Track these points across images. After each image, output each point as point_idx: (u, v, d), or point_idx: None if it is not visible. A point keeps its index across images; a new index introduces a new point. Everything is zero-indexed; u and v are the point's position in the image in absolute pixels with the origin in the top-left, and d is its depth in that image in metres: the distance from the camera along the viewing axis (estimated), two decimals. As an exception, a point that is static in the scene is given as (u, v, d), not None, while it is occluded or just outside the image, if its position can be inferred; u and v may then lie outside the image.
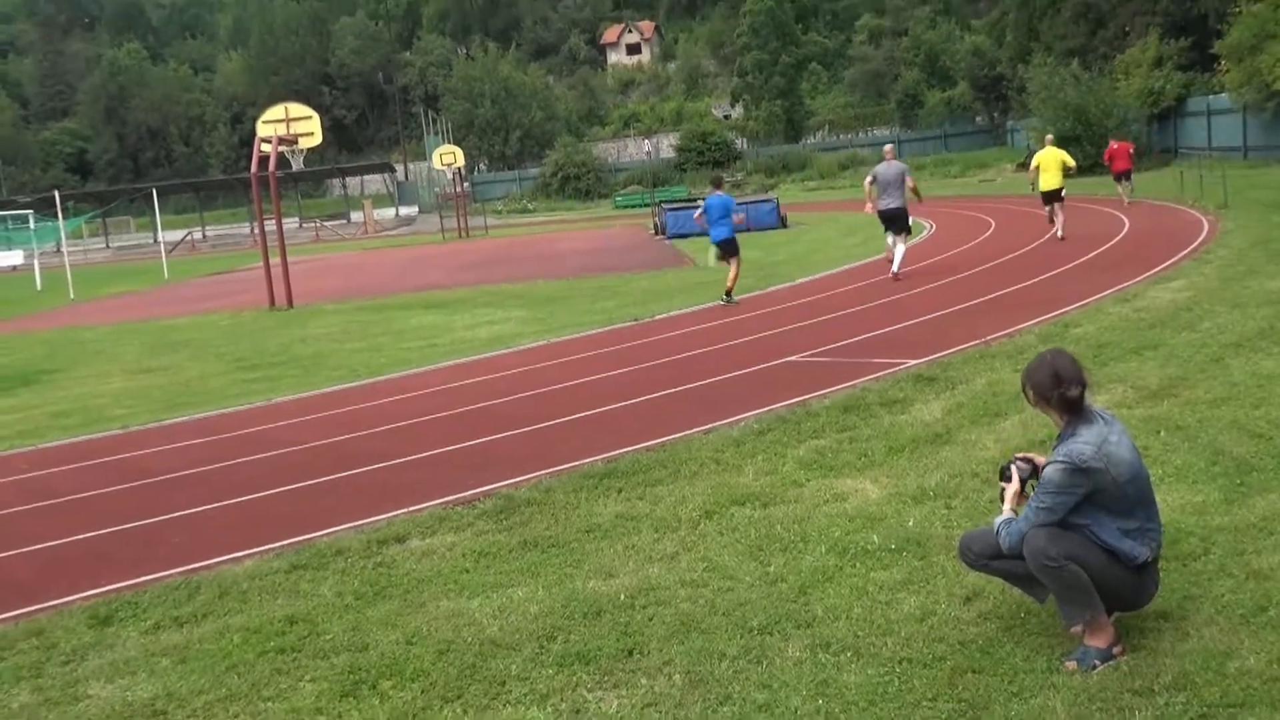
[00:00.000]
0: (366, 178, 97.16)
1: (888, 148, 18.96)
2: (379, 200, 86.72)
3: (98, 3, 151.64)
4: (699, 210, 18.23)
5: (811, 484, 7.08)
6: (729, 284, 17.09)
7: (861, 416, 8.69)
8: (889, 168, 17.77)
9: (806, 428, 8.49)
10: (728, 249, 17.41)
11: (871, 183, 18.09)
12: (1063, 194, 21.30)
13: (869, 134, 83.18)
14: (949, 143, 74.27)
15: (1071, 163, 21.52)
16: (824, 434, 8.29)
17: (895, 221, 17.82)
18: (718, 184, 18.84)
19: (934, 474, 6.99)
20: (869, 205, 18.37)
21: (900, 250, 17.70)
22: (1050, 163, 21.11)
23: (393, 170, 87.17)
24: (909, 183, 17.71)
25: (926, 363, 10.53)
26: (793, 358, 11.69)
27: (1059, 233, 20.80)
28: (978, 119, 76.64)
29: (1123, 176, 28.01)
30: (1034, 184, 21.55)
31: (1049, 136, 23.30)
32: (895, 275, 17.47)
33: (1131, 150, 29.08)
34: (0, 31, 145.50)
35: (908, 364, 10.55)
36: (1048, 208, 21.75)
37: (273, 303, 23.97)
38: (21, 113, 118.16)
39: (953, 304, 14.32)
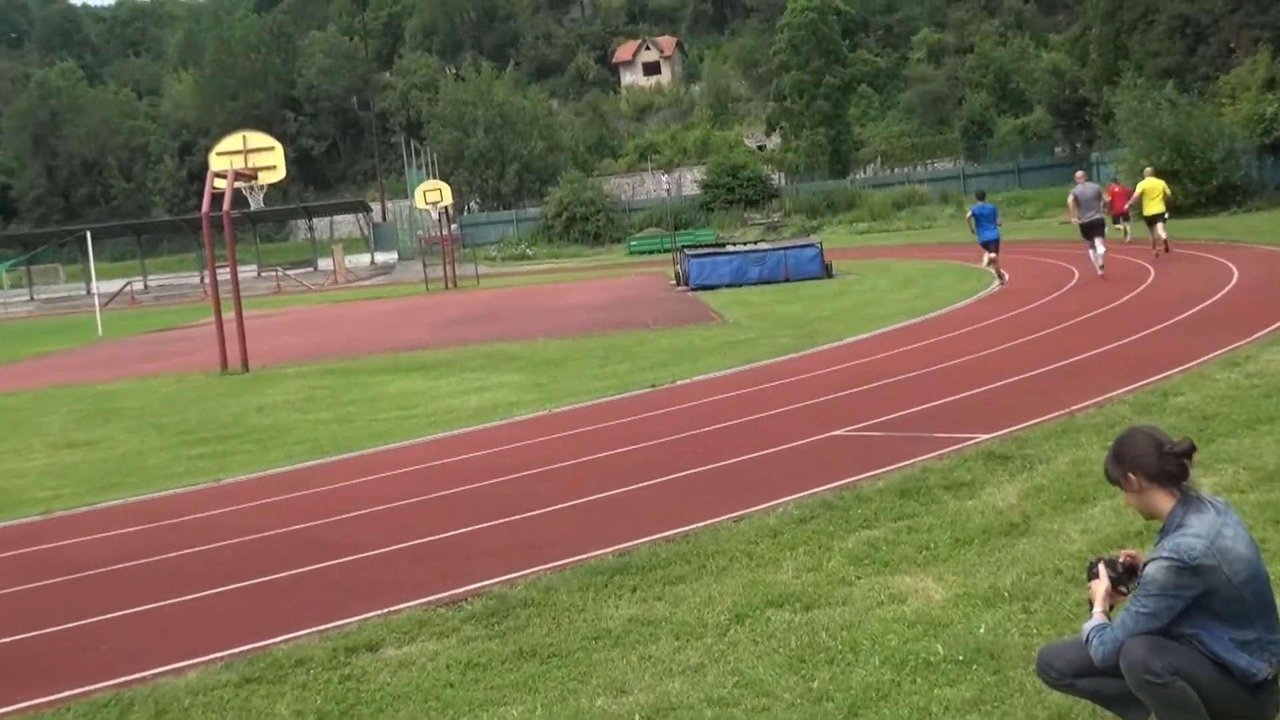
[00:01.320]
0: (337, 218, 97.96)
1: (1080, 173, 28.29)
2: (351, 245, 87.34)
3: (26, 16, 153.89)
4: (969, 213, 28.12)
5: (863, 582, 7.03)
6: (998, 269, 26.89)
7: (922, 502, 8.65)
8: (1086, 189, 26.12)
9: (856, 515, 8.44)
10: (992, 248, 27.10)
11: (1074, 202, 25.79)
12: (1165, 216, 29.11)
13: (928, 167, 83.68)
14: (1023, 178, 74.59)
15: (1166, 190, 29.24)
16: (877, 523, 8.25)
17: (1095, 229, 25.34)
18: (982, 196, 28.73)
19: (1009, 571, 6.93)
20: (1073, 219, 26.13)
21: (1101, 249, 25.15)
22: (1155, 190, 28.97)
23: (368, 210, 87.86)
24: (1104, 198, 27.21)
25: (999, 438, 10.49)
26: (840, 431, 11.66)
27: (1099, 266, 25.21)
28: (1057, 150, 77.03)
29: (1155, 220, 29.73)
30: (1076, 218, 25.95)
31: (1148, 169, 30.37)
32: (1103, 274, 24.72)
33: (1131, 192, 33.26)
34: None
35: (977, 439, 10.52)
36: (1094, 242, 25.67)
37: (225, 365, 24.05)
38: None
39: (1030, 368, 14.29)
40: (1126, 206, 32.93)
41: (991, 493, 8.72)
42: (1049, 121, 74.98)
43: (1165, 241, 29.22)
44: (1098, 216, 25.52)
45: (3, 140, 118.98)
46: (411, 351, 24.98)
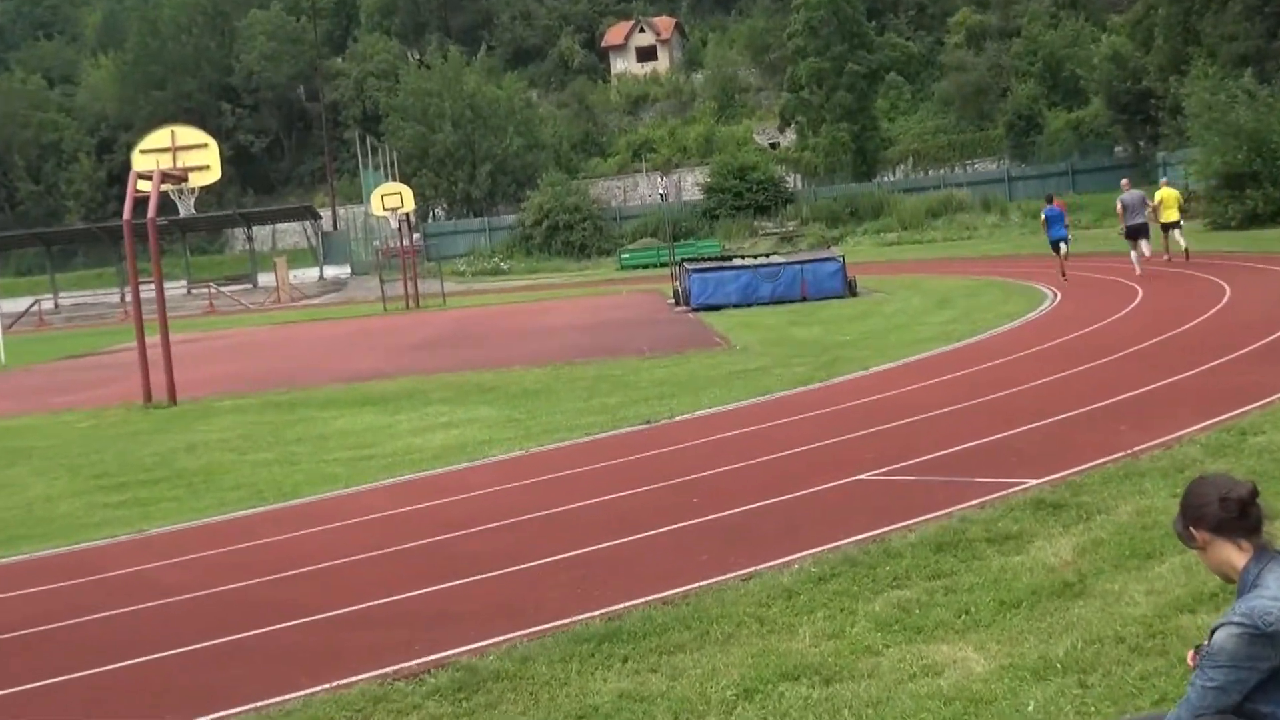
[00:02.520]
0: (280, 227, 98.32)
1: (1125, 180, 36.43)
2: (297, 257, 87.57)
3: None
4: (1043, 218, 35.85)
5: (892, 651, 7.02)
6: (1062, 269, 32.85)
7: (961, 558, 8.64)
8: (1132, 195, 33.19)
9: (885, 573, 8.44)
10: (1059, 247, 33.74)
11: (1121, 209, 33.06)
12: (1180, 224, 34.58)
13: (969, 168, 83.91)
14: (1078, 180, 74.85)
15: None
16: (909, 582, 8.24)
17: (1141, 232, 32.28)
18: (1050, 200, 37.09)
19: (1062, 639, 6.93)
20: (1121, 223, 33.30)
21: (1147, 250, 32.05)
22: (1170, 199, 34.40)
23: (316, 217, 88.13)
24: (1150, 204, 33.21)
25: (1050, 483, 10.50)
26: (865, 475, 11.67)
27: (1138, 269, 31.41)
28: (1117, 149, 77.30)
29: (1171, 227, 34.80)
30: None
31: (1164, 179, 37.75)
32: (1140, 272, 30.76)
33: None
34: None
35: (1024, 485, 10.53)
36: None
37: (149, 397, 24.06)
38: None
39: (1085, 402, 14.31)
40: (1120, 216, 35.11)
41: (1042, 547, 8.71)
42: (1107, 116, 75.16)
43: (1185, 249, 33.89)
44: (1142, 221, 32.51)
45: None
46: (366, 381, 25.00)
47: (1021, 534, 9.08)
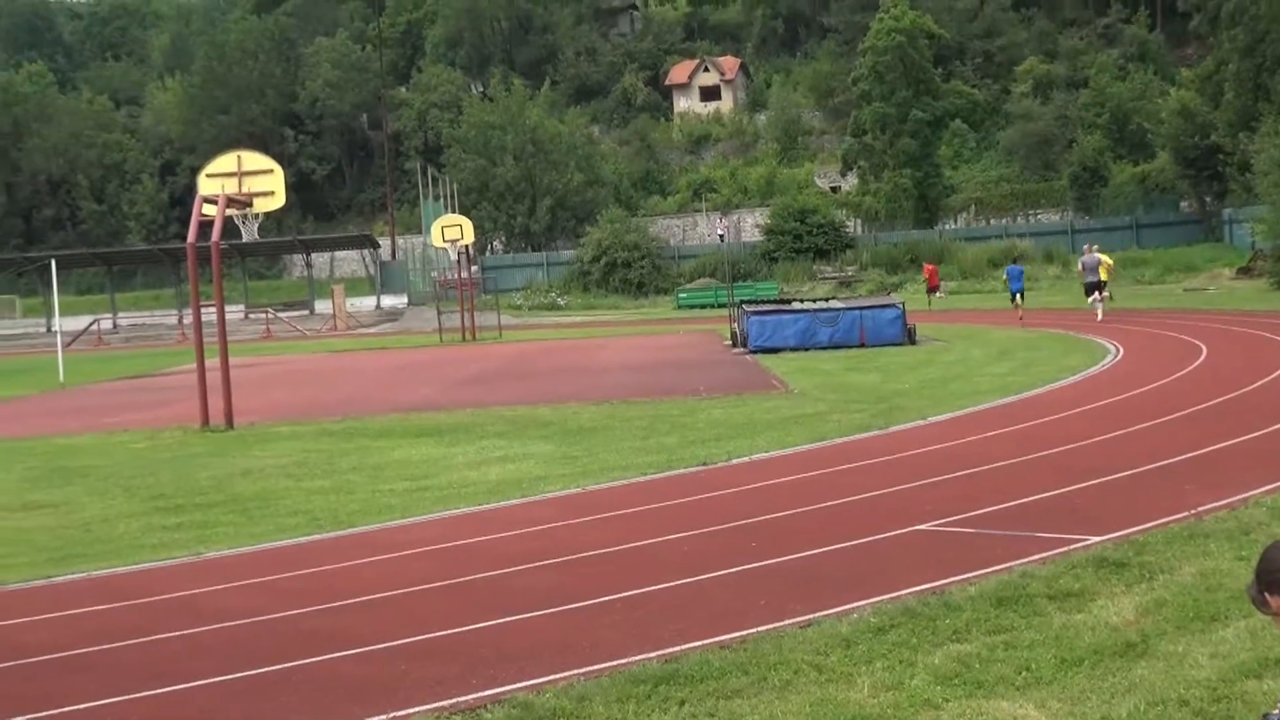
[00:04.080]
0: (339, 254, 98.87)
1: (1088, 245, 43.66)
2: (354, 285, 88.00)
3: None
4: (1005, 276, 46.47)
5: (952, 706, 6.99)
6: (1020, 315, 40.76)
7: (1022, 613, 8.60)
8: (1091, 258, 41.16)
9: (944, 626, 8.41)
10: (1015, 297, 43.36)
11: (1082, 269, 41.76)
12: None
13: (1032, 218, 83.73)
14: (1142, 235, 74.59)
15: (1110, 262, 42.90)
16: (969, 636, 8.21)
17: (1095, 288, 40.46)
18: (1016, 260, 51.67)
19: (1124, 700, 6.88)
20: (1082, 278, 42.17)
21: (1099, 304, 39.75)
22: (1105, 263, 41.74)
23: (375, 246, 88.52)
24: (1106, 262, 41.48)
25: (1113, 540, 10.44)
26: (924, 526, 11.63)
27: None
28: (1183, 204, 76.98)
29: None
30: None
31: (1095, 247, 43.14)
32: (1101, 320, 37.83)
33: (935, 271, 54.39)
34: None
35: (1086, 541, 10.47)
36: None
37: (206, 420, 24.19)
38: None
39: (1148, 459, 14.24)
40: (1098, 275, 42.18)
41: (1104, 606, 8.67)
42: (1174, 171, 74.91)
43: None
44: (1096, 279, 40.71)
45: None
46: (422, 413, 25.07)
47: (1083, 591, 9.03)
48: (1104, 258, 42.11)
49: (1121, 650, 7.71)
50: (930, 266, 63.56)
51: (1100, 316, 38.82)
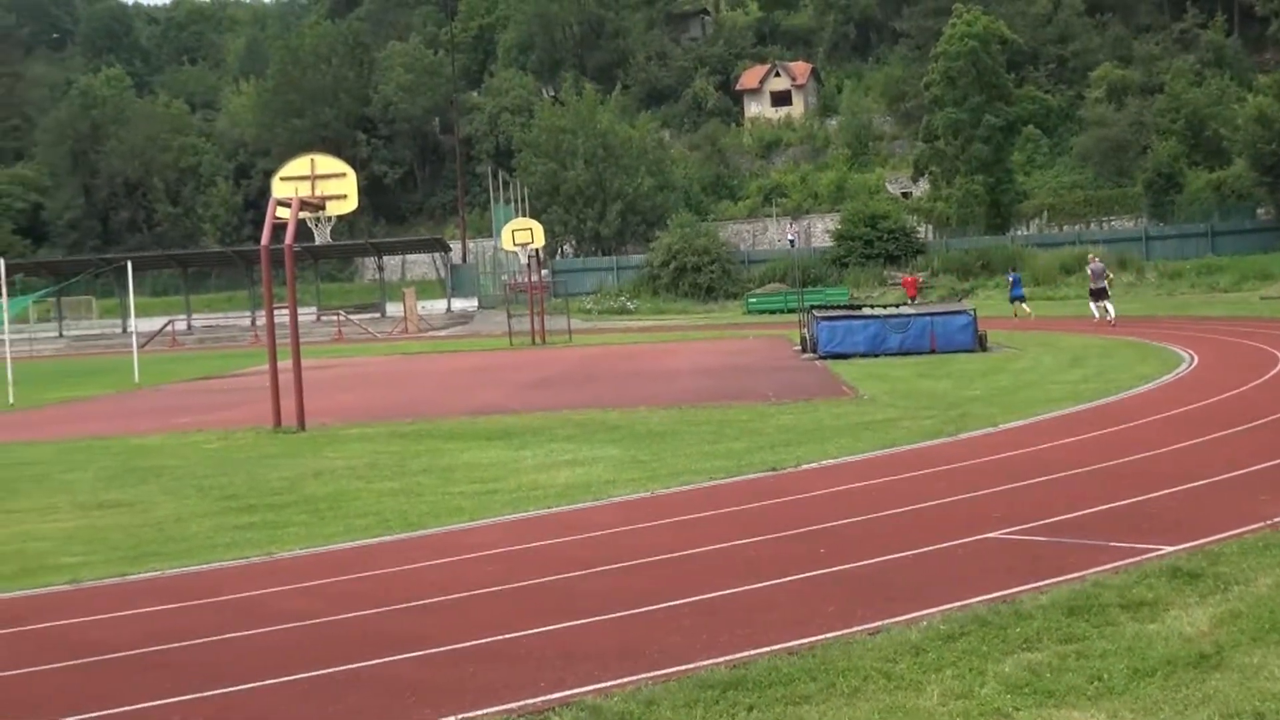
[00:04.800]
0: (410, 257, 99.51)
1: (1092, 255, 48.88)
2: (425, 288, 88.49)
3: (70, 14, 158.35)
4: (1089, 270, 48.07)
5: (1022, 715, 6.94)
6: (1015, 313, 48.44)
7: (1093, 623, 8.53)
8: (1096, 266, 46.02)
9: (1015, 635, 8.34)
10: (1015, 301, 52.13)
11: (1092, 276, 45.82)
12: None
13: (1105, 225, 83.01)
14: (1218, 243, 73.83)
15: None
16: (1040, 644, 8.14)
17: (1101, 295, 44.83)
18: (1014, 269, 59.23)
19: (1198, 711, 6.81)
20: (1091, 284, 46.25)
21: (1110, 307, 44.03)
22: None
23: (446, 249, 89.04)
24: (1109, 274, 46.47)
25: (1187, 550, 10.33)
26: (995, 534, 11.55)
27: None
28: (1260, 211, 76.07)
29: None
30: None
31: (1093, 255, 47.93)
32: (1113, 323, 42.14)
33: (919, 282, 59.67)
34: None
35: (1159, 551, 10.37)
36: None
37: (278, 422, 24.37)
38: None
39: (1223, 469, 14.07)
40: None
41: (1177, 616, 8.57)
42: (1251, 178, 74.13)
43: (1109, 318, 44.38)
44: (1103, 285, 45.38)
45: (37, 154, 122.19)
46: (492, 415, 25.16)
47: (1156, 601, 8.94)
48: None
49: (1195, 661, 7.62)
50: (908, 278, 67.50)
51: (1113, 319, 43.31)
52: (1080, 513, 12.26)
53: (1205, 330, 33.67)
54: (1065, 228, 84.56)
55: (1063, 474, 14.54)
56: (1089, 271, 47.17)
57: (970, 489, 13.95)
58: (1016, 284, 54.77)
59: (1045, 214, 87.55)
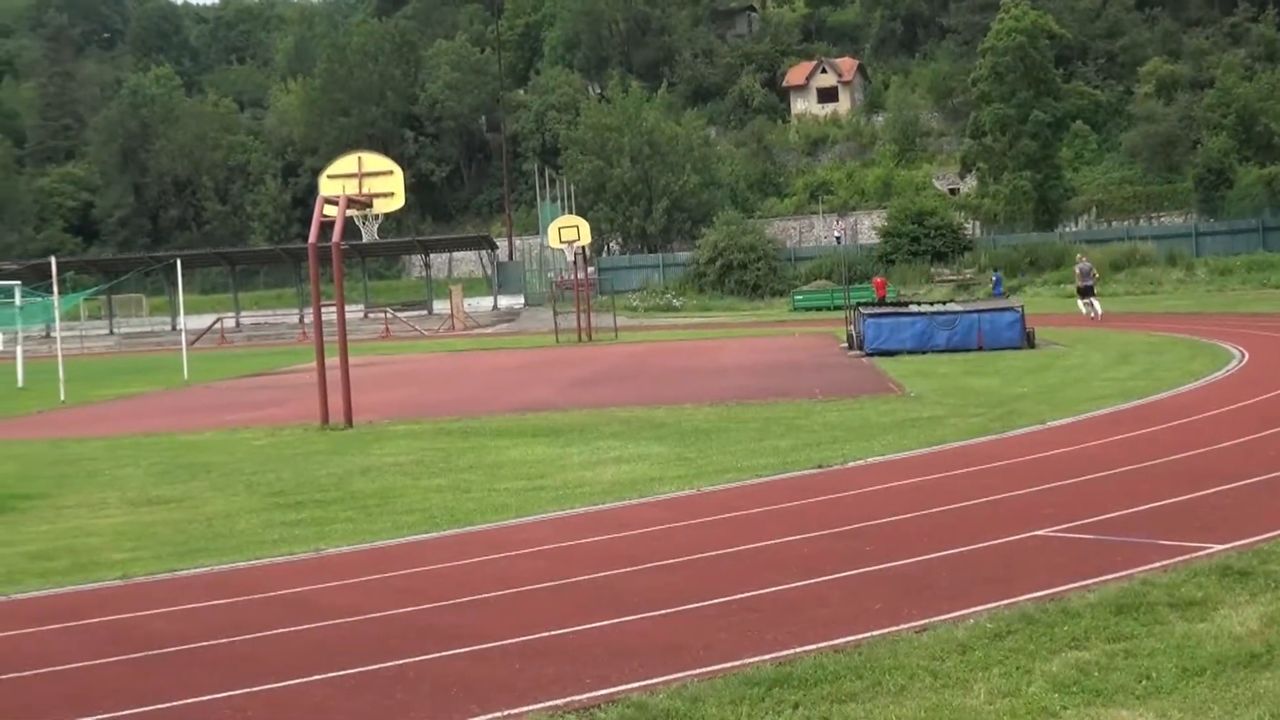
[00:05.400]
0: (457, 255, 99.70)
1: (1080, 255, 52.66)
2: (472, 286, 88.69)
3: (120, 13, 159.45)
4: (1076, 269, 50.96)
5: (1070, 714, 6.90)
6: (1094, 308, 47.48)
7: (1142, 621, 8.48)
8: (1084, 265, 49.38)
9: (1063, 633, 8.30)
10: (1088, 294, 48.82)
11: (1079, 274, 48.78)
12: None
13: (1154, 221, 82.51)
14: (1269, 238, 73.27)
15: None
16: (1088, 643, 8.10)
17: (1089, 292, 47.73)
18: (996, 269, 64.18)
19: (1248, 711, 6.76)
20: (1078, 283, 49.34)
21: (1097, 305, 46.75)
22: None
23: (493, 246, 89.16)
24: (1095, 274, 50.68)
25: (1236, 549, 10.26)
26: (1042, 531, 11.50)
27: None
28: (1312, 207, 75.44)
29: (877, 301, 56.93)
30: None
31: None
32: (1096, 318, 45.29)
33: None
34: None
35: (1209, 549, 10.30)
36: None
37: (325, 419, 24.47)
38: (15, 152, 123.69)
39: (1274, 467, 13.97)
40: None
41: (1227, 615, 8.51)
42: (1303, 173, 73.61)
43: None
44: (1090, 284, 48.52)
45: (89, 152, 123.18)
46: (538, 413, 25.22)
47: (1206, 600, 8.87)
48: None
49: (1245, 661, 7.57)
50: (878, 280, 68.97)
51: (1098, 314, 46.70)
52: (1129, 510, 12.20)
53: (1256, 327, 33.44)
54: (1114, 224, 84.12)
55: (1111, 471, 14.46)
56: (1077, 270, 50.35)
57: (1017, 486, 13.89)
58: (998, 284, 59.14)
59: (1094, 210, 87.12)
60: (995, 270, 63.24)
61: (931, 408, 22.15)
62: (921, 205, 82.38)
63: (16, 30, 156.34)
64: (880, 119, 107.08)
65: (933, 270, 76.78)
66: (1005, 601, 9.11)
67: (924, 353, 34.52)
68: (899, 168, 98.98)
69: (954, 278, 74.87)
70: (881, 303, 59.19)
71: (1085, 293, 48.38)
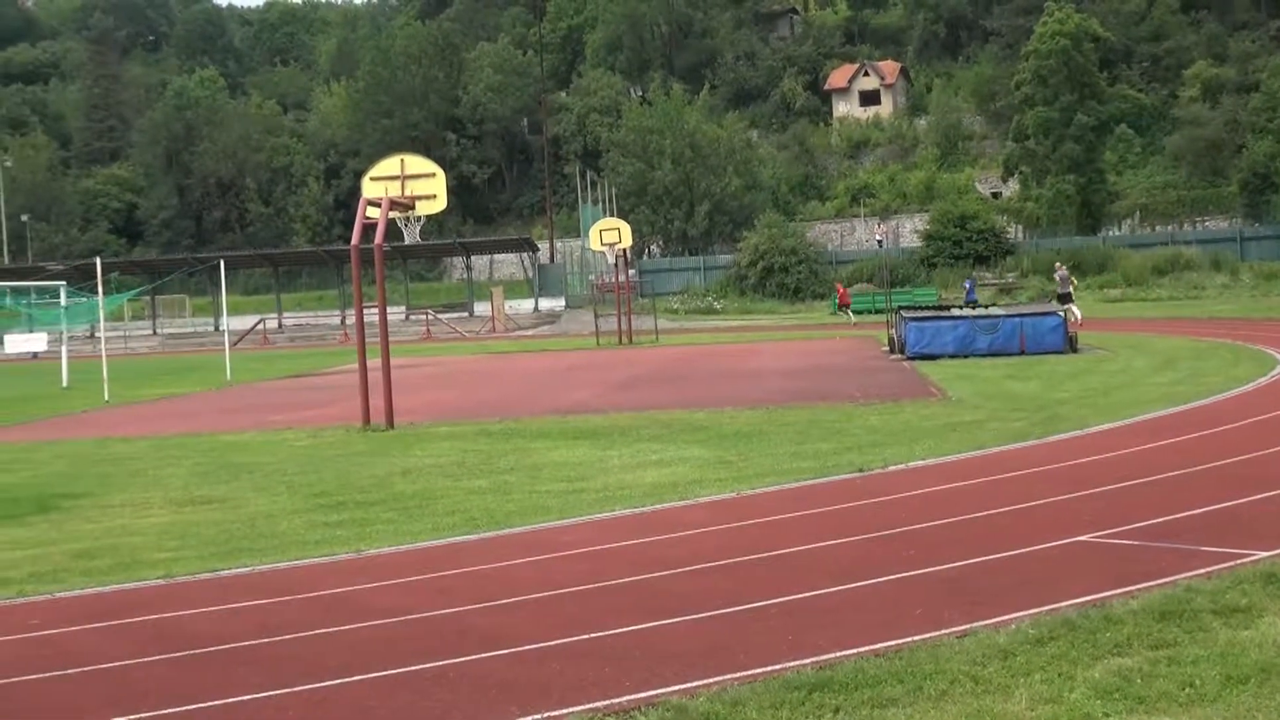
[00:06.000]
0: (499, 257, 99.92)
1: (1058, 263, 58.69)
2: (513, 288, 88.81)
3: (166, 16, 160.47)
4: (1056, 275, 51.86)
5: (1112, 721, 6.88)
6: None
7: (1185, 628, 8.43)
8: (1062, 274, 50.34)
9: (1105, 639, 8.27)
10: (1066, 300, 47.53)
11: (1059, 283, 49.75)
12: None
13: (1198, 226, 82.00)
14: (1315, 244, 72.70)
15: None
16: (1130, 649, 8.06)
17: (1068, 299, 46.86)
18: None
19: (1293, 719, 6.72)
20: (1059, 289, 49.69)
21: (1076, 311, 45.30)
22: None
23: (534, 249, 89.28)
24: (1072, 281, 50.85)
25: (1281, 556, 10.20)
26: (1085, 537, 11.44)
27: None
28: (1359, 213, 74.88)
29: (844, 309, 62.22)
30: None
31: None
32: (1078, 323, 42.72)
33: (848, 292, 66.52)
34: (43, 50, 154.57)
35: (1253, 556, 10.24)
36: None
37: (367, 420, 24.56)
38: (61, 154, 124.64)
39: (1320, 473, 13.87)
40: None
41: (1272, 623, 8.46)
42: (1351, 179, 73.05)
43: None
44: (1068, 290, 48.43)
45: (133, 154, 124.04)
46: (579, 415, 25.23)
47: (1250, 608, 8.82)
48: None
49: (1290, 669, 7.53)
50: (841, 288, 70.14)
51: (1078, 319, 45.22)
52: (1172, 516, 12.13)
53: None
54: (1158, 228, 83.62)
55: (1154, 477, 14.39)
56: (1056, 278, 51.77)
57: (1059, 492, 13.83)
58: (970, 291, 58.31)
59: (1138, 214, 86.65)
60: (968, 279, 64.31)
61: (973, 412, 22.07)
62: (964, 209, 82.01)
63: (63, 33, 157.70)
64: (923, 122, 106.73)
65: (975, 274, 76.46)
66: (1047, 607, 9.08)
67: (965, 357, 34.42)
68: (941, 171, 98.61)
69: (996, 282, 74.55)
70: (845, 309, 63.91)
71: (1063, 299, 47.85)
